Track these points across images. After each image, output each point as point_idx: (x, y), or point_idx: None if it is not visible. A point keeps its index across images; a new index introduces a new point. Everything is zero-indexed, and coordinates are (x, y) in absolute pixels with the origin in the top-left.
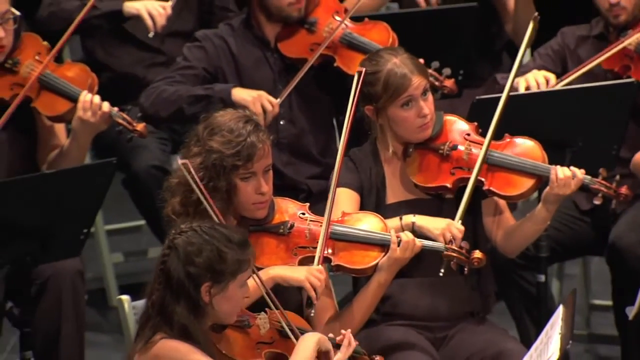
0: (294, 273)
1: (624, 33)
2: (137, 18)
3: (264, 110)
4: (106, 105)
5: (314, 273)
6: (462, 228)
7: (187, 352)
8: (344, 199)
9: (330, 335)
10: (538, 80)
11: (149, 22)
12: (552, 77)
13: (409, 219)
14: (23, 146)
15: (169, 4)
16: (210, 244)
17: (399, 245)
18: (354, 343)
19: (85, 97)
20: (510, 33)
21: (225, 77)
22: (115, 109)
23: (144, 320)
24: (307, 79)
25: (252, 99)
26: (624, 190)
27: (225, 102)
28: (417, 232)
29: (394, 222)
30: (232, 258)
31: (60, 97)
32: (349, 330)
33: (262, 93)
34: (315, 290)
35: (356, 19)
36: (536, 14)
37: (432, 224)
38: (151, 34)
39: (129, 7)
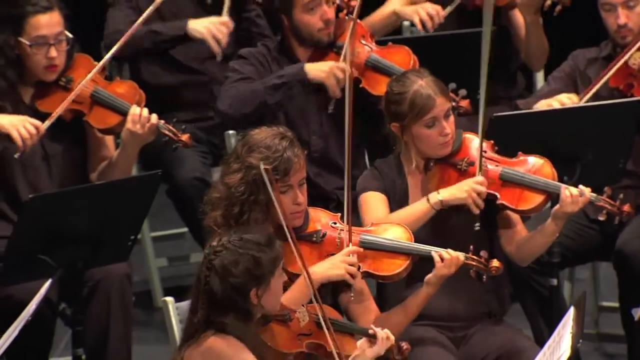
0: (332, 271)
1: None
2: (200, 41)
3: (338, 80)
4: (154, 117)
5: (348, 264)
6: (481, 179)
7: (237, 348)
8: (375, 201)
9: (371, 330)
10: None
11: (215, 47)
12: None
13: (435, 198)
14: (75, 157)
15: (226, 19)
16: (244, 255)
17: (442, 262)
18: (392, 337)
19: (135, 110)
20: (523, 57)
21: None
22: (162, 121)
23: (188, 334)
24: (336, 99)
25: (326, 73)
26: (626, 208)
27: (303, 82)
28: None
29: (421, 204)
30: (267, 259)
31: (110, 111)
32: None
33: (332, 64)
34: (353, 276)
35: (381, 42)
36: None
37: (456, 193)
38: (219, 58)
39: (193, 31)
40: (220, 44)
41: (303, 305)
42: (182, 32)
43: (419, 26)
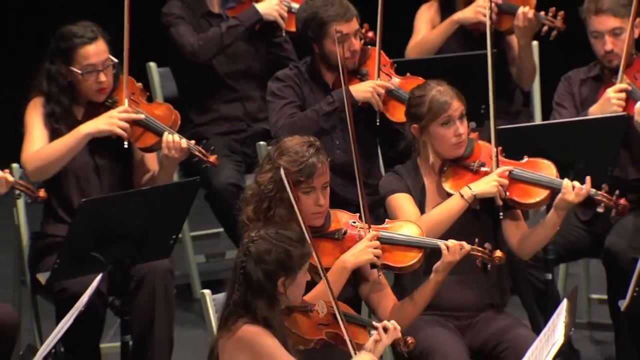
0: (362, 257)
1: (615, 76)
2: (272, 23)
3: (379, 94)
4: (184, 142)
5: (373, 248)
6: (502, 169)
7: (267, 336)
8: (405, 201)
9: (382, 323)
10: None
11: (283, 25)
12: None
13: (468, 193)
14: (121, 169)
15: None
16: (278, 246)
17: (448, 250)
18: (398, 328)
19: (167, 137)
20: (515, 77)
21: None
22: (192, 142)
23: (226, 314)
24: (357, 119)
25: (370, 93)
26: (622, 201)
27: (354, 105)
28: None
29: (455, 199)
30: (297, 253)
31: (149, 132)
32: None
33: (372, 83)
34: (379, 257)
35: (400, 69)
36: None
37: (484, 187)
38: (284, 33)
39: (267, 15)
40: (284, 20)
41: (322, 301)
42: (258, 16)
43: (486, 20)
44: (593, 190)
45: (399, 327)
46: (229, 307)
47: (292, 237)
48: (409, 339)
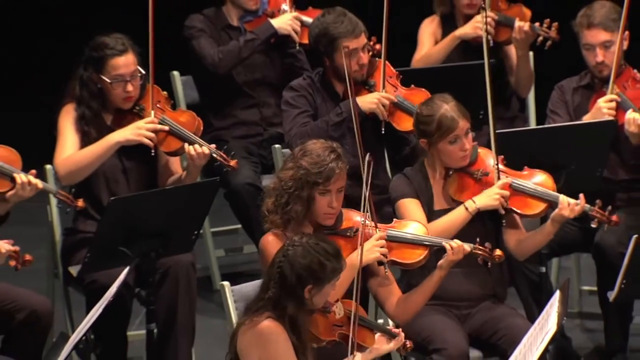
0: (370, 255)
1: (606, 85)
2: (287, 36)
3: (384, 105)
4: (206, 149)
5: (379, 245)
6: (503, 181)
7: (281, 337)
8: (413, 206)
9: (390, 327)
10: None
11: (296, 38)
12: None
13: (472, 206)
14: (147, 171)
15: (295, 14)
16: (315, 257)
17: (452, 250)
18: (402, 338)
19: (190, 150)
20: (513, 85)
21: (316, 118)
22: (213, 146)
23: (256, 305)
24: (365, 127)
25: (375, 104)
26: (614, 217)
27: (361, 115)
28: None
29: (460, 211)
30: (330, 268)
31: (173, 137)
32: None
33: (378, 95)
34: (385, 255)
35: (405, 78)
36: None
37: (487, 201)
38: (298, 46)
39: (281, 29)
40: (297, 34)
41: (339, 301)
42: (273, 30)
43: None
44: (587, 206)
45: (402, 335)
46: (262, 301)
47: (329, 251)
48: (408, 344)
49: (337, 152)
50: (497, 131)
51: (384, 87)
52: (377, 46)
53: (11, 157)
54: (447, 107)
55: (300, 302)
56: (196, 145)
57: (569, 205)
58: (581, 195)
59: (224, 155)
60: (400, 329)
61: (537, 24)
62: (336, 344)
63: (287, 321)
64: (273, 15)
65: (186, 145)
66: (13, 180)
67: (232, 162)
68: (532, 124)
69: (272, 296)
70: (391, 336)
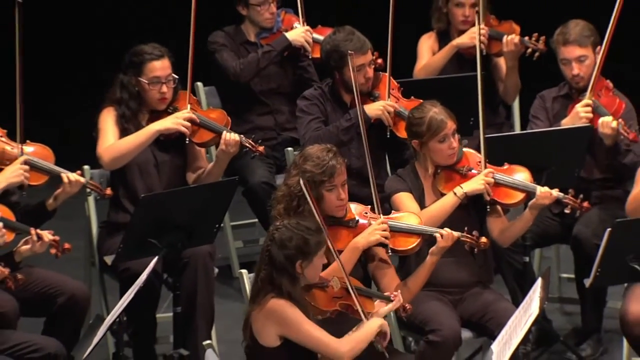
0: (371, 237)
1: (583, 95)
2: (298, 50)
3: (389, 112)
4: (238, 137)
5: (380, 229)
6: (488, 170)
7: (291, 307)
8: (407, 199)
9: (387, 293)
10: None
11: (309, 49)
12: None
13: (460, 191)
14: (177, 164)
15: (307, 27)
16: (298, 234)
17: (442, 237)
18: (401, 298)
19: (226, 136)
20: (501, 93)
21: (327, 124)
22: (243, 136)
23: (255, 290)
24: (369, 133)
25: (381, 111)
26: (585, 204)
27: (367, 121)
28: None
29: (450, 197)
30: (313, 241)
31: (206, 130)
32: (399, 292)
33: (383, 103)
34: (387, 238)
35: (406, 89)
36: None
37: (474, 185)
38: (310, 55)
39: (294, 41)
40: (310, 45)
41: (336, 277)
42: (287, 42)
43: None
44: (561, 195)
45: (400, 297)
46: (258, 284)
47: (310, 227)
48: (407, 306)
49: (333, 150)
50: (486, 136)
51: (388, 97)
52: (380, 60)
53: (46, 153)
54: (435, 110)
55: (293, 277)
56: (231, 133)
57: (545, 194)
58: (556, 189)
59: (252, 142)
60: (396, 294)
61: (526, 38)
62: (340, 313)
63: (286, 297)
64: (286, 32)
65: (224, 132)
66: (49, 173)
67: (260, 148)
68: (517, 129)
69: (264, 277)
70: (388, 300)
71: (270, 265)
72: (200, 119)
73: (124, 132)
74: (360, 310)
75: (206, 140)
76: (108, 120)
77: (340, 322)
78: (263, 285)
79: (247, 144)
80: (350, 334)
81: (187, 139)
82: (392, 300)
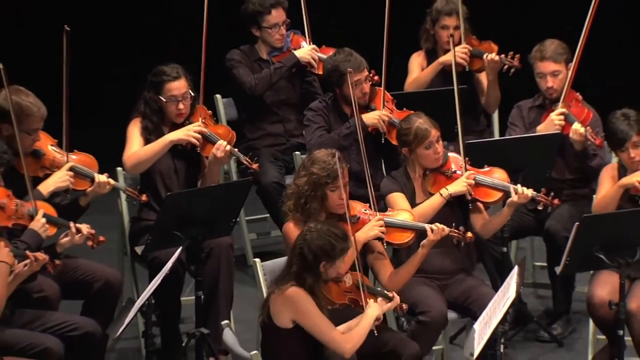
0: (370, 232)
1: (555, 105)
2: (308, 64)
3: (384, 121)
4: (228, 147)
5: (378, 225)
6: (469, 173)
7: (307, 299)
8: (400, 198)
9: (387, 292)
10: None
11: (315, 64)
12: None
13: (445, 192)
14: (191, 171)
15: (313, 46)
16: (327, 239)
17: (432, 232)
18: (398, 299)
19: (220, 143)
20: (483, 104)
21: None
22: (241, 154)
23: (281, 276)
24: (367, 141)
25: (377, 120)
26: (556, 201)
27: (365, 129)
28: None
29: (436, 198)
30: (339, 247)
31: (211, 144)
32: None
33: (379, 113)
34: (383, 232)
35: (399, 102)
36: None
37: (457, 188)
38: (316, 70)
39: (302, 58)
40: (316, 61)
41: (348, 272)
42: (296, 60)
43: (463, 63)
44: (535, 193)
45: (398, 298)
46: (288, 275)
47: (338, 234)
48: (404, 305)
49: (337, 156)
50: (469, 142)
51: (383, 108)
52: (376, 77)
53: (90, 162)
54: (420, 120)
55: (316, 274)
56: (224, 143)
57: (520, 193)
58: (530, 189)
59: (249, 160)
60: (395, 294)
61: (503, 55)
62: (346, 306)
63: (307, 289)
64: (295, 51)
65: (218, 141)
66: (92, 180)
67: (255, 166)
68: (497, 136)
69: (295, 271)
70: (389, 299)
71: (300, 261)
72: (208, 133)
73: (147, 142)
74: (364, 306)
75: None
76: (134, 131)
77: (346, 314)
78: (290, 277)
79: (244, 161)
80: (352, 325)
81: (198, 149)
82: (392, 299)
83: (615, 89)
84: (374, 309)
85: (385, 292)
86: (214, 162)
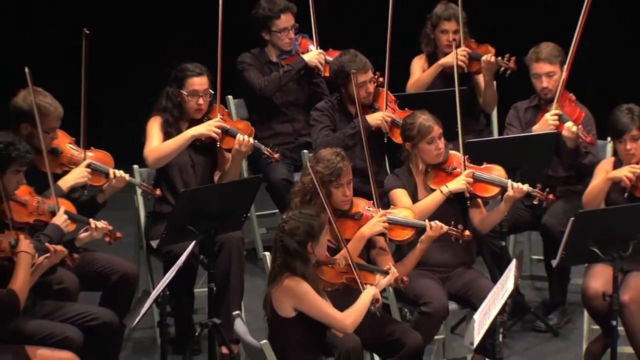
0: (375, 228)
1: (550, 105)
2: (315, 67)
3: (386, 121)
4: (251, 140)
5: (382, 221)
6: (468, 171)
7: (304, 284)
8: (402, 195)
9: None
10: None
11: (322, 68)
12: None
13: (445, 189)
14: (208, 165)
15: (320, 50)
16: (304, 222)
17: (431, 229)
18: (397, 272)
19: (239, 137)
20: (482, 104)
21: (335, 131)
22: (262, 146)
23: (272, 275)
24: (370, 139)
25: (380, 120)
26: (551, 196)
27: (369, 129)
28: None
29: (436, 194)
30: (317, 224)
31: (231, 137)
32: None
33: (382, 113)
34: (387, 229)
35: (401, 102)
36: None
37: (456, 185)
38: (322, 73)
39: (310, 62)
40: (322, 65)
41: (342, 256)
42: (304, 63)
43: (462, 65)
44: (530, 189)
45: (394, 270)
46: (275, 270)
47: (312, 213)
48: (405, 278)
49: (341, 154)
50: (469, 140)
51: (386, 108)
52: (381, 79)
53: (106, 159)
54: (424, 117)
55: (305, 259)
56: (245, 136)
57: (517, 188)
58: (526, 185)
59: (270, 150)
60: (390, 266)
61: (499, 58)
62: (346, 285)
63: (299, 276)
64: (303, 54)
65: (238, 134)
66: (107, 176)
67: (276, 155)
68: (496, 135)
69: (280, 263)
70: (385, 274)
71: (284, 252)
72: (228, 127)
73: (167, 136)
74: (359, 282)
75: (232, 146)
76: (154, 127)
77: (348, 293)
78: (279, 270)
79: (266, 152)
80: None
81: (218, 144)
82: (388, 273)
83: (616, 89)
84: (369, 291)
85: (382, 268)
86: (237, 156)
